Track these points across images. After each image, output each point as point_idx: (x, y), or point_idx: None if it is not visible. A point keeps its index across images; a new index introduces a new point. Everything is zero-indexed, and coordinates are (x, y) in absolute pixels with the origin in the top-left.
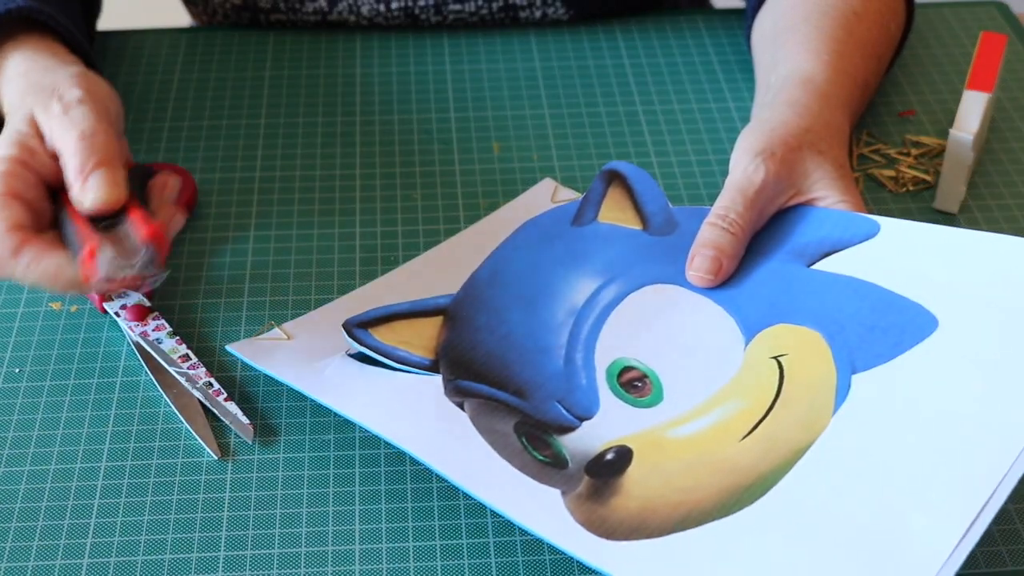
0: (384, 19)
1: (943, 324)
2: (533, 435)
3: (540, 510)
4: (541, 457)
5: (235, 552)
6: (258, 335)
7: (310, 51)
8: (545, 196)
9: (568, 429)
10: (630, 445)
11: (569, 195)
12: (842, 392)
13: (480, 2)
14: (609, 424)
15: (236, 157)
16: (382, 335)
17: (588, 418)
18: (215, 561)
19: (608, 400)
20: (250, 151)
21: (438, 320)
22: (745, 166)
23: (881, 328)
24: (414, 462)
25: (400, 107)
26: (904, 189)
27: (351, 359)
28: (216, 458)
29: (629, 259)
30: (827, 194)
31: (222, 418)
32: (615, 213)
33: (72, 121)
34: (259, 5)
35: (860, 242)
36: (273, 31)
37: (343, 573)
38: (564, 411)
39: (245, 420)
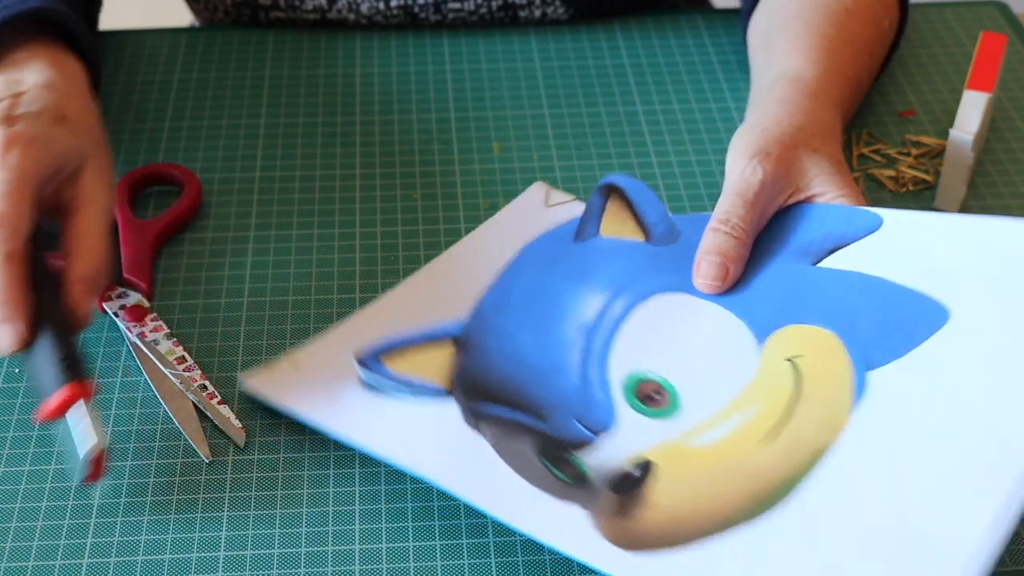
0: (383, 17)
1: (954, 315)
2: (555, 456)
3: (567, 529)
4: (564, 477)
5: (235, 552)
6: (267, 364)
7: (310, 51)
8: (538, 199)
9: (585, 444)
10: (651, 457)
11: (561, 198)
12: (859, 390)
13: (479, 1)
14: (628, 438)
15: (236, 157)
16: (395, 365)
17: (604, 431)
18: (215, 561)
19: (626, 414)
20: (250, 151)
21: (449, 347)
22: (742, 169)
23: (893, 322)
24: None
25: (400, 107)
26: (904, 189)
27: (364, 389)
28: (215, 459)
29: (634, 271)
30: (826, 190)
31: (215, 421)
32: (616, 226)
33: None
34: (259, 2)
35: (864, 236)
36: (273, 31)
37: (343, 573)
38: (581, 427)
39: (238, 424)
